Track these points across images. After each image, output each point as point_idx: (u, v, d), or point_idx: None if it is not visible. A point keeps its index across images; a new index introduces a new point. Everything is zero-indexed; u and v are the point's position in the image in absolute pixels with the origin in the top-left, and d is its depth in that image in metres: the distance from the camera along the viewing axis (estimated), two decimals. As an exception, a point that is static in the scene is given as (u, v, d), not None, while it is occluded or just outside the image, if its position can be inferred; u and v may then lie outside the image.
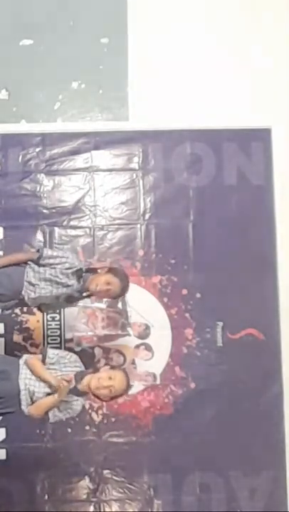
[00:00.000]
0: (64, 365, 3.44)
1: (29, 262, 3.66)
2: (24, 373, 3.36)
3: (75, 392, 3.37)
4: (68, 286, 3.62)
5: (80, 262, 3.75)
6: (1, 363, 3.48)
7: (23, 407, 3.35)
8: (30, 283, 3.60)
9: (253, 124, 4.53)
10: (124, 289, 3.67)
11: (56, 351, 3.51)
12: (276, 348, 4.41)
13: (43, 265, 3.62)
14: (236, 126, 4.53)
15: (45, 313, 4.32)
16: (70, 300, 3.73)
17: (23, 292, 3.61)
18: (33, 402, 3.33)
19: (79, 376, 3.38)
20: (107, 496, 4.29)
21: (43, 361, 3.44)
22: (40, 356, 3.47)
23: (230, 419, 4.34)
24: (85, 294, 3.73)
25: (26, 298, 3.62)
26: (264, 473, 4.35)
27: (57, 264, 3.62)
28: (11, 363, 3.45)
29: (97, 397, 3.41)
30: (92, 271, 3.74)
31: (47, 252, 3.67)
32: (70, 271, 3.62)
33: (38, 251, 3.70)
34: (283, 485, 4.37)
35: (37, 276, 3.61)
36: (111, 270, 3.68)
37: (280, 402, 4.39)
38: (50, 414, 3.35)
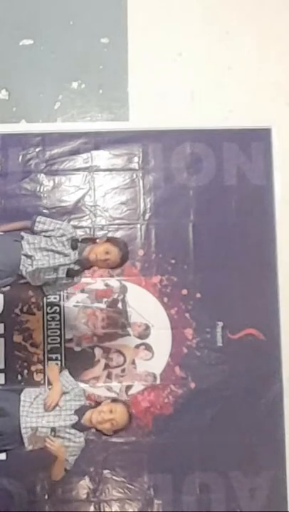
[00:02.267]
0: (70, 397, 3.42)
1: (23, 234, 3.66)
2: (26, 411, 3.33)
3: (79, 427, 3.36)
4: (65, 255, 3.60)
5: (74, 231, 3.73)
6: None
7: (27, 445, 3.34)
8: (26, 255, 3.58)
9: (253, 124, 4.53)
10: (123, 258, 3.67)
11: (68, 381, 3.51)
12: (276, 348, 4.41)
13: (38, 232, 3.64)
14: (236, 126, 4.53)
15: (46, 308, 4.30)
16: (70, 273, 3.68)
17: (20, 267, 3.58)
18: (35, 438, 3.32)
19: (81, 411, 3.37)
20: (107, 496, 4.29)
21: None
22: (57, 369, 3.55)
23: (230, 419, 4.34)
24: (83, 266, 3.71)
25: (24, 272, 3.59)
26: (264, 473, 4.35)
27: (51, 230, 3.63)
28: (10, 399, 3.41)
29: (101, 431, 3.41)
30: (89, 241, 3.73)
31: (40, 218, 3.70)
32: (64, 238, 3.61)
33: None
34: (283, 485, 4.36)
35: (32, 246, 3.60)
36: (110, 239, 3.67)
37: (280, 402, 4.39)
38: (66, 466, 3.40)
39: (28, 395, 3.41)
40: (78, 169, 4.51)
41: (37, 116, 4.54)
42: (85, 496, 4.28)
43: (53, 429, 3.30)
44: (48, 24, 4.57)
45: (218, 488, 4.31)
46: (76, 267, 3.67)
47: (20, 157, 4.48)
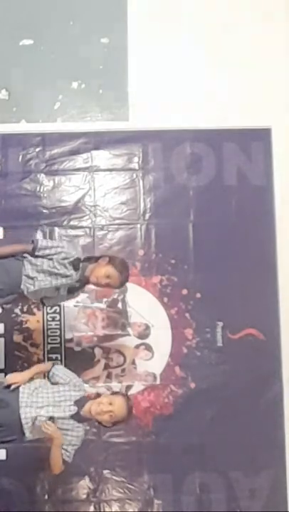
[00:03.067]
0: (69, 388, 3.43)
1: (26, 255, 3.65)
2: (25, 401, 3.34)
3: (78, 418, 3.36)
4: (67, 276, 3.59)
5: (77, 251, 3.70)
6: None
7: (28, 435, 3.35)
8: (28, 276, 3.57)
9: (253, 124, 4.53)
10: (123, 282, 3.66)
11: (64, 372, 3.52)
12: (276, 348, 4.41)
13: (40, 256, 3.61)
14: (236, 126, 4.53)
15: (46, 308, 4.30)
16: (72, 291, 3.69)
17: (21, 286, 3.58)
18: (34, 427, 3.33)
19: (81, 402, 3.37)
20: (107, 496, 4.29)
21: (48, 376, 3.50)
22: (47, 365, 3.56)
23: (230, 419, 4.34)
24: (84, 284, 3.70)
25: (26, 292, 3.59)
26: (264, 473, 4.35)
27: (53, 254, 3.60)
28: (9, 390, 3.42)
29: (100, 423, 3.41)
30: (91, 260, 3.71)
31: (42, 242, 3.65)
32: (66, 261, 3.60)
33: (32, 242, 3.67)
34: (283, 485, 4.37)
35: (34, 268, 3.58)
36: (111, 261, 3.62)
37: (280, 402, 4.39)
38: (65, 457, 3.37)
39: (27, 386, 3.42)
40: (78, 169, 4.51)
41: (37, 116, 4.54)
42: (85, 496, 4.28)
43: (52, 419, 3.30)
44: (48, 24, 4.57)
45: (218, 488, 4.31)
46: (77, 284, 3.67)
47: (20, 157, 4.48)
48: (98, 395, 3.44)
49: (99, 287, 3.74)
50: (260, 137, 4.54)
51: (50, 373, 3.52)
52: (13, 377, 3.44)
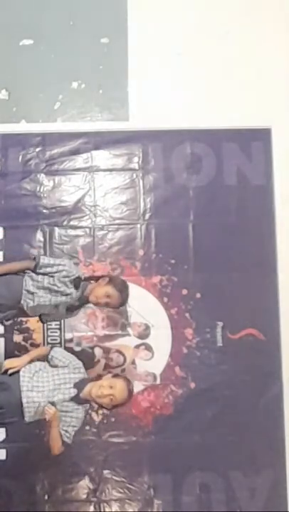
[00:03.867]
0: (69, 370, 3.44)
1: (27, 271, 3.67)
2: (26, 385, 3.35)
3: (77, 400, 3.37)
4: (67, 294, 3.63)
5: (77, 270, 3.74)
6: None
7: (27, 419, 3.37)
8: (28, 291, 3.61)
9: (253, 124, 4.53)
10: (123, 301, 3.70)
11: (63, 355, 3.54)
12: (276, 348, 4.41)
13: (41, 274, 3.63)
14: (236, 126, 4.53)
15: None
16: (70, 309, 3.74)
17: (22, 301, 3.61)
18: (36, 413, 3.35)
19: (81, 384, 3.38)
20: (107, 496, 4.29)
21: (47, 359, 3.50)
22: (46, 349, 3.58)
23: (230, 419, 4.34)
24: (84, 303, 3.74)
25: (25, 307, 3.63)
26: (264, 473, 4.35)
27: (54, 272, 3.63)
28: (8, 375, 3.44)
29: (100, 405, 3.42)
30: (91, 279, 3.74)
31: (43, 260, 3.67)
32: (67, 279, 3.62)
33: (34, 259, 3.70)
34: (283, 485, 4.36)
35: (35, 284, 3.62)
36: (111, 281, 3.66)
37: (280, 402, 4.39)
38: (65, 438, 3.39)
39: (27, 369, 3.44)
40: (78, 169, 4.51)
41: (37, 116, 4.54)
42: (85, 496, 4.28)
43: (52, 403, 3.33)
44: (48, 24, 4.57)
45: (218, 488, 4.31)
46: (76, 303, 3.69)
47: (20, 157, 4.48)
48: (99, 377, 3.44)
49: (98, 307, 3.78)
50: (260, 137, 4.54)
51: (49, 356, 3.54)
52: (11, 362, 3.48)
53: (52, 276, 3.63)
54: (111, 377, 3.43)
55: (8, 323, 3.90)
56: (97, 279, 3.72)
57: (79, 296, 3.66)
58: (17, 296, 3.62)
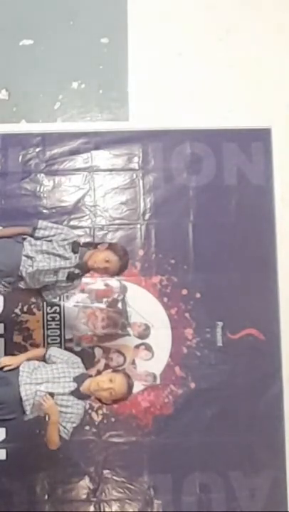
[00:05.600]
0: (67, 365, 3.44)
1: (25, 237, 3.67)
2: (25, 380, 3.35)
3: (77, 394, 3.36)
4: (66, 258, 3.60)
5: (75, 235, 3.74)
6: None
7: (28, 412, 3.36)
8: (27, 256, 3.59)
9: (253, 124, 4.53)
10: (122, 267, 3.66)
11: (61, 352, 3.53)
12: (276, 348, 4.41)
13: (39, 238, 3.64)
14: (236, 126, 4.53)
15: (46, 308, 4.30)
16: (70, 277, 3.68)
17: (20, 267, 3.59)
18: (34, 404, 3.34)
19: (80, 378, 3.38)
20: (107, 496, 4.29)
21: (44, 359, 3.49)
22: (42, 350, 3.56)
23: (230, 419, 4.34)
24: (84, 271, 3.70)
25: (24, 273, 3.59)
26: (264, 473, 4.35)
27: (52, 235, 3.64)
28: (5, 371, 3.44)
29: (100, 400, 3.41)
30: (91, 245, 3.72)
31: (42, 223, 3.69)
32: (66, 242, 3.62)
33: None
34: (283, 485, 4.36)
35: (34, 249, 3.61)
36: (111, 247, 3.64)
37: (280, 402, 4.39)
38: (63, 434, 3.37)
39: (26, 365, 3.44)
40: (78, 169, 4.51)
41: (37, 116, 4.54)
42: (85, 496, 4.28)
43: (51, 394, 3.31)
44: (48, 24, 4.57)
45: (218, 488, 4.31)
46: (76, 271, 3.67)
47: (20, 157, 4.48)
48: (99, 373, 3.44)
49: (97, 272, 3.73)
50: (260, 137, 4.54)
51: (47, 355, 3.53)
52: (7, 360, 3.48)
53: (50, 241, 3.63)
54: (110, 372, 3.44)
55: (7, 290, 3.85)
56: (96, 245, 3.70)
57: (78, 261, 3.64)
58: (16, 262, 3.59)
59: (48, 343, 4.33)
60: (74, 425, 3.41)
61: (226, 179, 4.52)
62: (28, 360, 3.50)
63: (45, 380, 3.36)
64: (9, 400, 3.36)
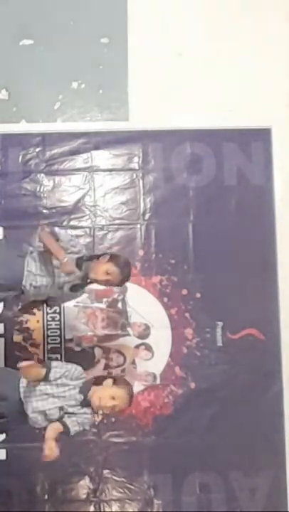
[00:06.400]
0: (70, 378, 3.34)
1: (32, 249, 3.67)
2: (28, 396, 3.25)
3: (85, 403, 3.28)
4: (70, 273, 3.60)
5: (81, 248, 3.69)
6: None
7: (36, 426, 3.31)
8: (31, 272, 3.56)
9: (253, 124, 4.53)
10: (124, 280, 3.63)
11: (61, 365, 3.39)
12: (276, 348, 4.41)
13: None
14: (236, 126, 4.53)
15: (46, 308, 4.29)
16: (75, 289, 3.65)
17: (23, 282, 3.57)
18: (48, 420, 3.26)
19: (85, 388, 3.29)
20: (107, 496, 4.29)
21: (46, 376, 3.30)
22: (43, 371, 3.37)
23: (230, 419, 4.34)
24: (86, 281, 3.67)
25: (28, 287, 3.57)
26: (264, 473, 4.34)
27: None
28: (8, 380, 3.35)
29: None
30: (94, 258, 3.70)
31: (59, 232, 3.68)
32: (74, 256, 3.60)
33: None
34: (283, 485, 4.36)
35: (38, 265, 3.58)
36: (112, 259, 3.59)
37: (280, 402, 4.39)
38: (70, 423, 3.26)
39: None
40: (78, 169, 4.51)
41: (37, 116, 4.54)
42: (85, 496, 4.28)
43: (61, 408, 3.26)
44: (48, 24, 4.57)
45: (218, 488, 4.31)
46: (80, 282, 3.64)
47: (20, 157, 4.48)
48: (100, 381, 3.31)
49: (99, 284, 3.72)
50: (260, 137, 4.54)
51: (51, 376, 3.32)
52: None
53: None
54: (112, 385, 3.29)
55: (9, 312, 3.83)
56: (98, 257, 3.69)
57: (82, 275, 3.62)
58: (18, 276, 3.56)
59: (48, 343, 4.32)
60: (81, 428, 3.32)
61: (226, 179, 4.52)
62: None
63: (51, 395, 3.27)
64: (11, 414, 3.30)
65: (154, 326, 4.42)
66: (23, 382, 3.32)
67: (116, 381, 3.34)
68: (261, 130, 4.54)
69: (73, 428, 3.29)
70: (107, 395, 3.25)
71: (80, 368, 3.37)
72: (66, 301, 3.85)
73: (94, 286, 3.74)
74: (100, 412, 3.35)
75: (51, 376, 3.29)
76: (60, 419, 3.28)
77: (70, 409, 3.29)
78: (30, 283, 3.56)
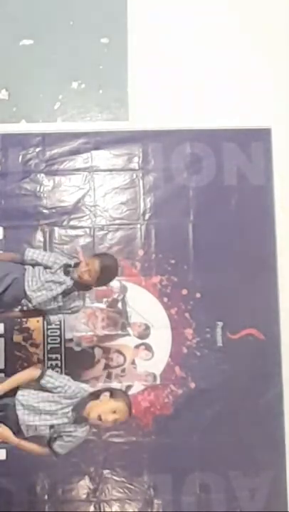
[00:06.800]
0: (63, 397, 3.28)
1: (27, 267, 3.67)
2: (22, 411, 3.24)
3: (79, 420, 3.23)
4: (61, 283, 3.61)
5: (64, 257, 3.75)
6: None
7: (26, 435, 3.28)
8: (25, 293, 3.61)
9: (253, 124, 4.53)
10: (102, 278, 3.60)
11: (56, 377, 3.32)
12: (276, 348, 4.41)
13: (28, 263, 3.66)
14: (236, 126, 4.53)
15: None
16: (65, 293, 3.66)
17: (22, 301, 3.63)
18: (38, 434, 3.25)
19: (80, 405, 3.23)
20: (107, 496, 4.29)
21: (39, 379, 3.27)
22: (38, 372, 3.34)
23: (230, 419, 4.34)
24: (79, 288, 3.69)
25: (25, 307, 3.65)
26: (264, 473, 4.34)
27: (40, 260, 3.65)
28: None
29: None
30: (78, 264, 3.72)
31: (28, 250, 3.70)
32: (57, 266, 3.62)
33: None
34: (283, 485, 4.36)
35: (31, 284, 3.62)
36: (96, 256, 3.68)
37: (280, 402, 4.39)
38: (57, 448, 3.25)
39: (26, 391, 3.30)
40: (78, 169, 4.51)
41: (37, 116, 4.55)
42: (85, 496, 4.28)
43: (52, 427, 3.26)
44: (48, 24, 4.57)
45: (218, 488, 4.31)
46: (72, 289, 3.65)
47: (20, 157, 4.48)
48: (97, 396, 3.24)
49: (87, 284, 3.68)
50: (260, 137, 4.54)
51: (44, 381, 3.29)
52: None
53: (45, 269, 3.64)
54: (109, 399, 3.22)
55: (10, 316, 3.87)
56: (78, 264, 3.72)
57: (72, 283, 3.64)
58: (19, 294, 3.62)
59: (48, 343, 4.33)
60: (72, 446, 3.29)
61: (226, 179, 4.52)
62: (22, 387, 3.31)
63: (44, 411, 3.22)
64: (8, 423, 3.27)
65: (154, 326, 4.42)
66: (22, 394, 3.28)
67: (113, 394, 3.26)
68: (261, 130, 4.54)
69: (60, 450, 3.27)
70: (107, 409, 3.18)
71: (75, 387, 3.28)
72: (63, 311, 3.80)
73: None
74: (98, 424, 3.25)
75: (43, 382, 3.25)
76: (48, 443, 3.26)
77: (62, 428, 3.24)
78: (27, 303, 3.62)
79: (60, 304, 3.66)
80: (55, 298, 3.63)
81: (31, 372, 3.32)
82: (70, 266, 3.65)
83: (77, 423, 3.25)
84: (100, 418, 3.17)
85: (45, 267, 3.65)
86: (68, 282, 3.62)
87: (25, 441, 3.28)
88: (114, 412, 3.18)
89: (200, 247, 4.45)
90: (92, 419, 3.20)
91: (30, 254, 3.68)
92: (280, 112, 4.55)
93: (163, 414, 4.35)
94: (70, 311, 3.77)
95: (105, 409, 3.19)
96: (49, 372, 3.32)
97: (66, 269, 3.63)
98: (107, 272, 3.63)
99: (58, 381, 3.28)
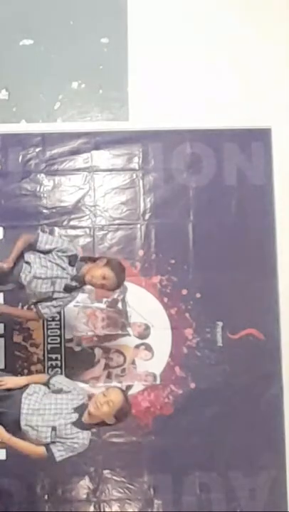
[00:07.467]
0: (72, 395, 3.35)
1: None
2: (26, 408, 3.28)
3: (80, 425, 3.27)
4: (63, 268, 3.62)
5: (75, 249, 3.75)
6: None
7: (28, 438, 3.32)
8: (27, 262, 3.62)
9: (253, 124, 4.53)
10: (119, 284, 3.66)
11: (68, 381, 3.44)
12: (276, 348, 4.42)
13: (40, 251, 3.67)
14: (236, 126, 4.53)
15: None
16: (67, 289, 3.68)
17: (21, 274, 3.61)
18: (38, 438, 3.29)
19: (81, 409, 3.29)
20: (107, 496, 4.29)
21: (47, 385, 3.40)
22: (44, 376, 3.48)
23: (230, 419, 4.34)
24: (81, 284, 3.70)
25: (23, 279, 3.61)
26: (264, 473, 4.35)
27: (53, 248, 3.66)
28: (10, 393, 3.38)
29: (103, 422, 3.32)
30: (88, 260, 3.72)
31: (43, 236, 3.71)
32: (64, 254, 3.64)
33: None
34: (283, 485, 4.37)
35: (32, 254, 3.64)
36: (108, 263, 3.63)
37: (280, 402, 4.39)
38: (55, 452, 3.27)
39: (32, 390, 3.36)
40: (78, 169, 4.51)
41: (37, 116, 4.55)
42: (85, 496, 4.28)
43: (54, 428, 3.28)
44: (48, 24, 4.57)
45: (218, 488, 4.32)
46: (73, 283, 3.67)
47: (20, 157, 4.48)
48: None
49: (94, 287, 3.75)
50: (260, 137, 4.54)
51: (51, 383, 3.43)
52: (8, 380, 3.40)
53: (50, 252, 3.66)
54: (104, 390, 3.32)
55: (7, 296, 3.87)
56: (94, 260, 3.71)
57: (75, 274, 3.65)
58: (17, 268, 3.62)
59: (48, 343, 4.33)
60: (74, 452, 3.32)
61: (226, 179, 4.52)
62: (27, 384, 3.40)
63: (48, 412, 3.27)
64: (9, 423, 3.30)
65: (154, 326, 4.42)
66: (26, 395, 3.32)
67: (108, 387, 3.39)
68: (261, 130, 4.55)
69: (59, 453, 3.28)
70: (100, 395, 3.25)
71: (84, 389, 3.40)
72: (59, 306, 3.79)
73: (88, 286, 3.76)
74: (97, 413, 3.26)
75: (51, 383, 3.40)
76: (47, 445, 3.28)
77: (64, 432, 3.27)
78: (26, 274, 3.60)
79: (57, 289, 3.65)
80: (53, 282, 3.62)
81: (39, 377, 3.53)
82: (76, 257, 3.65)
83: (77, 426, 3.28)
84: (95, 406, 3.21)
85: (58, 251, 3.67)
86: (71, 271, 3.62)
87: (16, 438, 3.29)
88: (105, 395, 3.23)
89: (200, 247, 4.45)
90: (91, 412, 3.24)
91: (45, 238, 3.70)
92: (280, 112, 4.55)
93: (163, 414, 4.36)
94: (62, 302, 3.75)
95: (98, 395, 3.25)
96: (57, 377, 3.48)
97: (72, 260, 3.64)
98: (122, 279, 3.67)
99: (68, 383, 3.42)
